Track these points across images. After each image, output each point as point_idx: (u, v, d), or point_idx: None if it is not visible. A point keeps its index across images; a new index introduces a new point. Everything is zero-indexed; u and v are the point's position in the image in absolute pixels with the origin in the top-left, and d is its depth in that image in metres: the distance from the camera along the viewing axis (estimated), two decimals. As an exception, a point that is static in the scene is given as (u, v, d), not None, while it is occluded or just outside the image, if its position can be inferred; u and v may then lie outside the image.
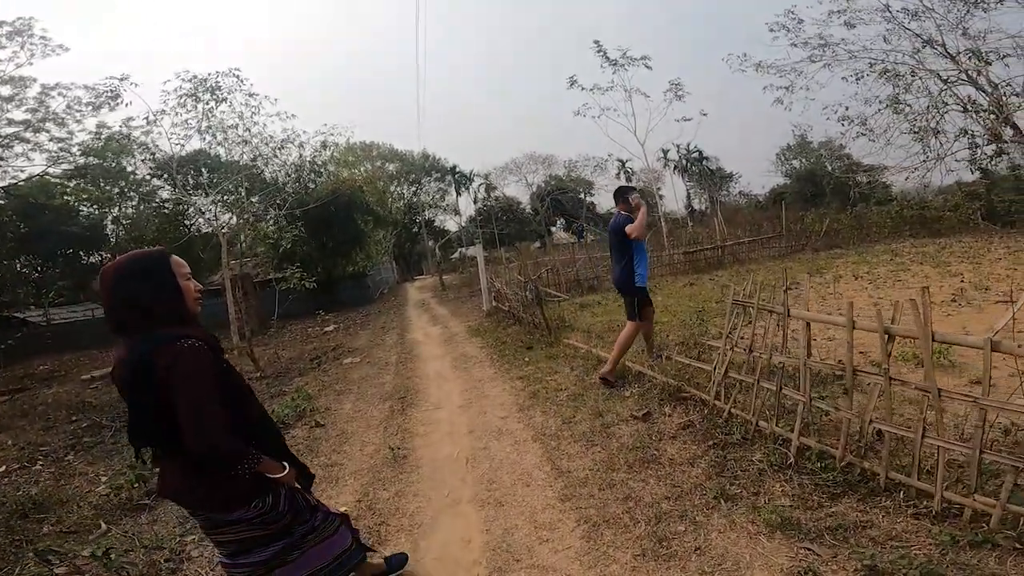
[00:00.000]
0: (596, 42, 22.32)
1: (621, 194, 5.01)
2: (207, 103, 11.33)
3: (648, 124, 23.33)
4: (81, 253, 22.96)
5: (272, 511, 1.76)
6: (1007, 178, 19.03)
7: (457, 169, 50.79)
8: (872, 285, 8.91)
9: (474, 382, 6.18)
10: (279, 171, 18.91)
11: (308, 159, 18.77)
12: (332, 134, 18.30)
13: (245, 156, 16.46)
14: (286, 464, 1.83)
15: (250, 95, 12.70)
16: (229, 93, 11.64)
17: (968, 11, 14.48)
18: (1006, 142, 15.56)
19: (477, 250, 10.87)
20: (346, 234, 20.62)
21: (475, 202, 53.95)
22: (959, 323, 5.70)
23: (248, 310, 14.09)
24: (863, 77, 16.37)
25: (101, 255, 23.45)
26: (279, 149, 15.46)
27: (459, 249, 48.39)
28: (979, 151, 17.47)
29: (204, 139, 12.85)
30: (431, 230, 50.01)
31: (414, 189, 48.67)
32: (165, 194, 20.55)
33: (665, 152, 46.50)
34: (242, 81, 11.70)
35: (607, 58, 22.31)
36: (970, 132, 16.13)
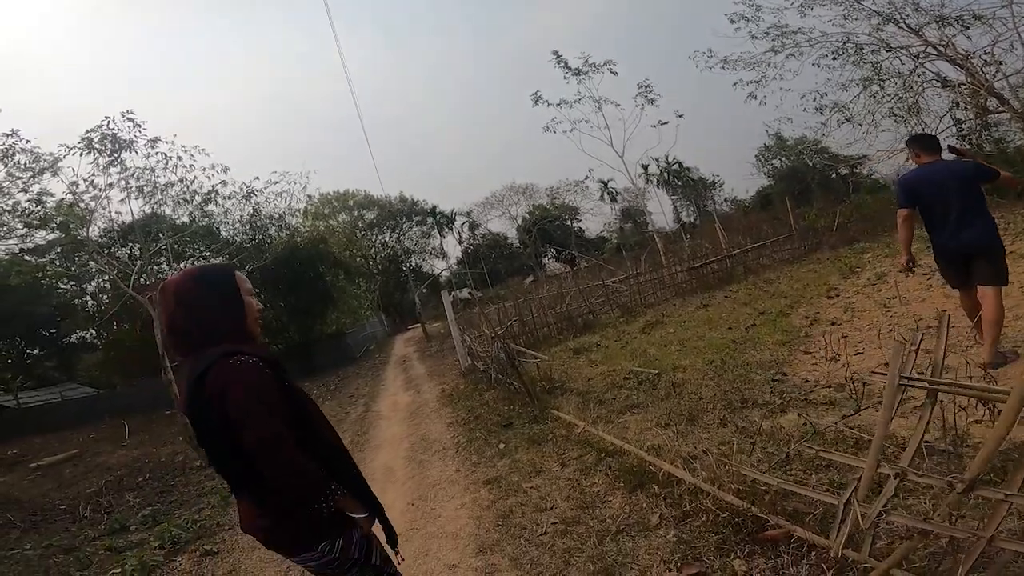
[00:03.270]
0: (555, 52, 20.92)
1: (926, 143, 3.84)
2: (107, 152, 10.22)
3: (624, 134, 21.59)
4: (60, 331, 22.15)
5: (340, 558, 1.50)
6: (992, 154, 17.83)
7: (437, 210, 49.50)
8: (932, 280, 7.02)
9: (427, 488, 4.28)
10: (233, 228, 17.55)
11: (263, 212, 17.42)
12: (284, 182, 17.03)
13: (186, 216, 15.17)
14: (366, 508, 1.56)
15: (183, 148, 12.51)
16: (129, 140, 10.88)
17: None
18: (991, 113, 14.36)
19: (445, 297, 9.06)
20: (314, 292, 18.88)
21: (460, 242, 52.52)
22: None
23: None
24: (832, 62, 15.36)
25: (82, 333, 22.39)
26: (219, 200, 14.19)
27: (452, 292, 46.63)
28: (962, 127, 16.40)
29: (147, 200, 12.88)
30: (419, 276, 48.36)
31: (396, 235, 47.24)
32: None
33: (645, 167, 45.29)
34: (139, 125, 10.68)
35: (568, 67, 20.86)
36: (952, 107, 15.09)
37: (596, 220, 54.72)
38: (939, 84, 14.86)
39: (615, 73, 20.83)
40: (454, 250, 53.39)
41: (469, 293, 39.40)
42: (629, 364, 6.04)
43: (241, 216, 16.49)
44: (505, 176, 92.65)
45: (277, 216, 18.29)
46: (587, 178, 36.82)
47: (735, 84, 18.57)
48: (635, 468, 3.26)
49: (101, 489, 7.65)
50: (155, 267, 15.25)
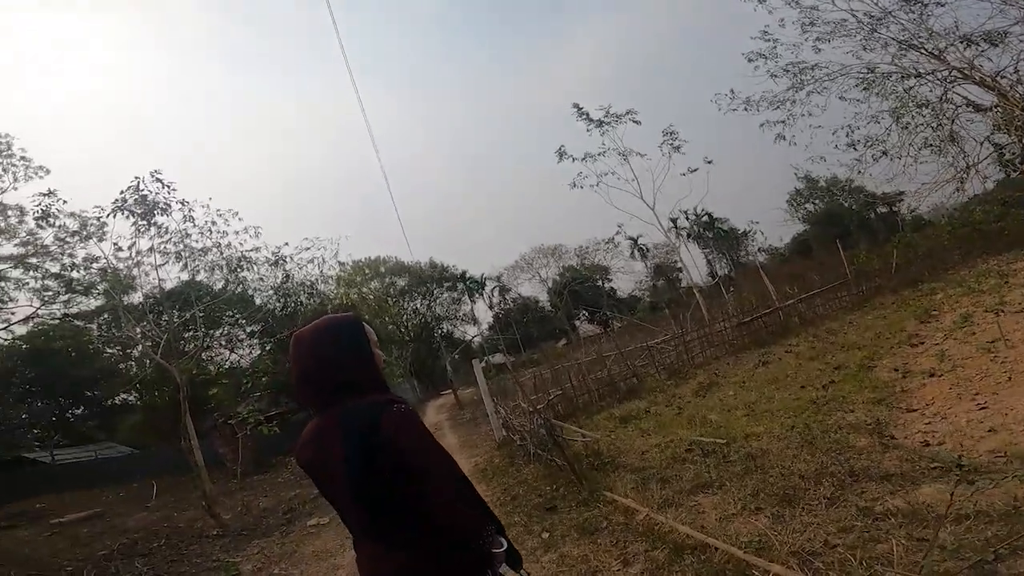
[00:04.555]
0: (576, 105, 20.99)
1: None
2: (139, 217, 10.24)
3: (654, 185, 21.17)
4: (103, 392, 22.86)
5: None
6: None
7: (467, 275, 49.76)
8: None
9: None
10: (266, 295, 17.56)
11: (295, 279, 17.46)
12: (315, 248, 17.11)
13: (220, 282, 15.23)
14: (502, 540, 1.53)
15: (218, 213, 12.41)
16: (159, 202, 10.84)
17: (922, 12, 13.14)
18: None
19: (476, 365, 8.38)
20: (341, 360, 18.57)
21: (491, 307, 52.29)
22: None
23: (243, 449, 12.57)
24: (858, 94, 14.88)
25: (126, 395, 22.85)
26: (251, 266, 14.21)
27: (484, 358, 45.93)
28: (1003, 151, 15.44)
29: (184, 266, 12.71)
30: (451, 342, 47.97)
31: (427, 302, 47.42)
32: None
33: (675, 221, 44.79)
34: (167, 186, 10.77)
35: (590, 120, 20.83)
36: (993, 130, 14.24)
37: (627, 279, 53.76)
38: (972, 109, 14.14)
39: (637, 123, 20.73)
40: (485, 315, 53.15)
41: (503, 359, 38.65)
42: (688, 433, 5.22)
43: (273, 283, 16.51)
44: (533, 237, 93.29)
45: (309, 283, 18.32)
46: (617, 234, 35.93)
47: (762, 125, 18.15)
48: (728, 569, 2.46)
49: (112, 552, 7.53)
50: (188, 334, 15.22)
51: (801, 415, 4.82)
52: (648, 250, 49.53)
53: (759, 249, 49.76)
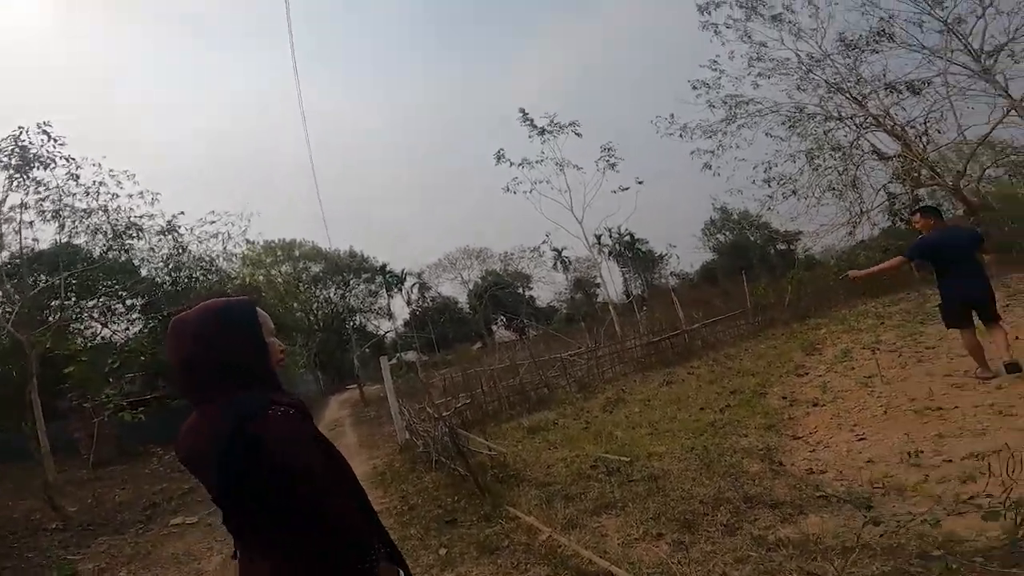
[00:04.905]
0: (522, 110, 21.19)
1: (938, 213, 5.49)
2: (14, 170, 9.11)
3: (584, 199, 21.70)
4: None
5: None
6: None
7: (388, 268, 48.32)
8: (905, 359, 6.72)
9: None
10: (156, 267, 15.85)
11: (194, 253, 15.89)
12: (221, 223, 15.72)
13: (102, 247, 13.65)
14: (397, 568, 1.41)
15: (110, 173, 11.59)
16: (44, 155, 9.93)
17: (858, 58, 14.67)
18: (924, 185, 15.33)
19: (384, 363, 7.98)
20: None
21: (408, 303, 51.09)
22: None
23: (100, 435, 11.16)
24: (783, 131, 16.16)
25: None
26: (140, 233, 12.83)
27: (396, 355, 44.58)
28: (894, 200, 17.48)
29: (62, 227, 11.70)
30: (363, 335, 46.19)
31: (342, 292, 45.39)
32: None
33: (599, 237, 46.39)
34: (54, 140, 9.64)
35: (534, 126, 21.07)
36: (891, 179, 16.04)
37: (547, 289, 54.80)
38: (876, 157, 15.81)
39: (579, 134, 21.27)
40: (402, 311, 51.84)
41: (415, 357, 37.77)
42: (594, 448, 5.23)
43: (163, 254, 14.93)
44: (461, 238, 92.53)
45: (208, 259, 16.76)
46: (544, 243, 36.58)
47: (692, 153, 19.24)
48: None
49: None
50: (55, 302, 13.35)
51: (700, 437, 4.98)
52: (570, 263, 50.82)
53: (671, 273, 52.84)
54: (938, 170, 14.20)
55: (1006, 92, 12.59)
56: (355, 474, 1.48)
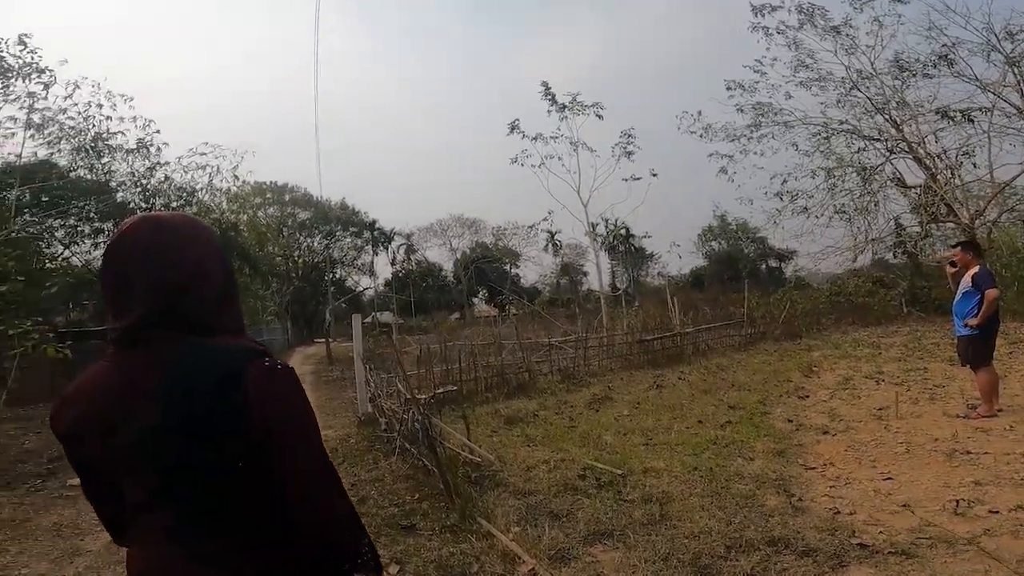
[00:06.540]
0: (544, 83, 20.14)
1: (974, 249, 5.41)
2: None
3: (593, 183, 20.67)
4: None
5: None
6: (922, 263, 18.42)
7: (377, 225, 47.03)
8: (924, 397, 6.26)
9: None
10: (133, 191, 14.91)
11: (174, 183, 14.93)
12: (212, 156, 14.79)
13: (77, 166, 12.82)
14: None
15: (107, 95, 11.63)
16: (15, 67, 9.63)
17: (906, 81, 14.17)
18: (941, 221, 15.01)
19: (356, 322, 7.24)
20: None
21: (392, 263, 50.00)
22: None
23: (15, 371, 9.53)
24: (809, 146, 15.67)
25: None
26: (111, 151, 11.99)
27: (373, 314, 43.73)
28: (902, 232, 17.13)
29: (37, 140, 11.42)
30: (341, 289, 45.11)
31: (327, 242, 44.07)
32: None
33: (594, 226, 45.63)
34: (33, 52, 9.53)
35: (555, 102, 20.04)
36: (912, 209, 15.71)
37: (534, 270, 54.11)
38: (896, 185, 15.36)
39: (600, 116, 20.29)
40: (384, 270, 50.74)
41: (391, 318, 36.91)
42: (581, 452, 4.66)
43: (137, 175, 13.93)
44: (457, 205, 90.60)
45: (189, 190, 15.75)
46: (545, 220, 35.32)
47: (710, 155, 18.57)
48: None
49: None
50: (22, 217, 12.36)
51: (702, 455, 4.46)
52: (560, 246, 50.07)
53: (658, 273, 52.46)
54: (956, 207, 13.82)
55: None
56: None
